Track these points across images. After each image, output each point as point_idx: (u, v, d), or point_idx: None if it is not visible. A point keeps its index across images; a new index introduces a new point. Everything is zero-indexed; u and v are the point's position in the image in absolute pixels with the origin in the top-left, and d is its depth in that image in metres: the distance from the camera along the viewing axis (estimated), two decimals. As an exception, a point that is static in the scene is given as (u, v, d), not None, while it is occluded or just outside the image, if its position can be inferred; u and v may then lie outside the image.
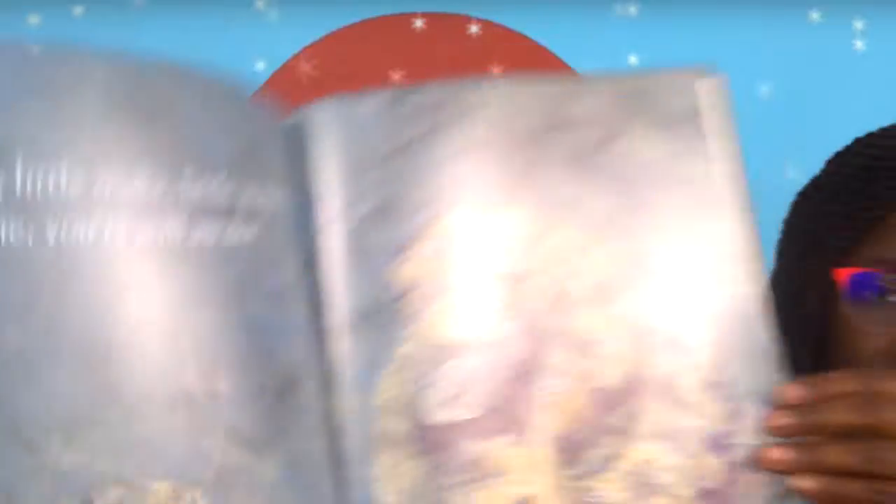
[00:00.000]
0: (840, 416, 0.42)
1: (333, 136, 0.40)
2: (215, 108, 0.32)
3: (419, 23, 1.59)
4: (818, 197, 0.64)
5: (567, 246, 0.44)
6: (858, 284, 0.55)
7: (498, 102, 0.44)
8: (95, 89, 0.29)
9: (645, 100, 0.48)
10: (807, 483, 0.42)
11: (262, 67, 1.57)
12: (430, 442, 0.39)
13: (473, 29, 1.59)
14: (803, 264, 0.62)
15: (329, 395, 0.34)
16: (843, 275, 0.56)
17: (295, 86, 1.57)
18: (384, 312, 0.36)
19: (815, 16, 1.55)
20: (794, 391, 0.44)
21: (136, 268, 0.28)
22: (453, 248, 0.41)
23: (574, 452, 0.42)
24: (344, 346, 0.35)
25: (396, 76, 1.58)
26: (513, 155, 0.43)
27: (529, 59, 1.58)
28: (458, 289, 0.41)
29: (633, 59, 1.57)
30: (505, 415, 0.41)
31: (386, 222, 0.39)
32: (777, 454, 0.43)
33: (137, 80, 0.31)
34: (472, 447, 0.40)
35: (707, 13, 1.55)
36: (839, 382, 0.44)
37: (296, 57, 1.58)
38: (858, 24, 1.55)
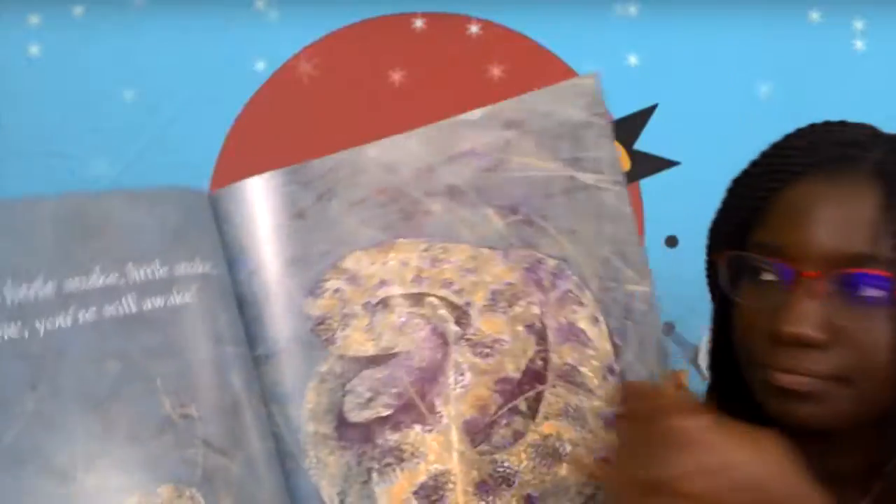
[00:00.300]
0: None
1: (246, 209, 0.49)
2: (147, 216, 0.41)
3: (419, 23, 1.59)
4: (725, 195, 0.66)
5: (462, 265, 0.51)
6: (735, 267, 0.58)
7: (377, 160, 0.52)
8: (49, 222, 0.39)
9: (533, 118, 0.52)
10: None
11: (262, 67, 1.57)
12: (353, 436, 0.47)
13: (473, 29, 1.59)
14: (710, 257, 0.66)
15: (269, 408, 0.43)
16: (723, 259, 0.59)
17: (295, 85, 1.58)
18: (305, 339, 0.46)
19: (814, 16, 1.55)
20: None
21: (109, 336, 0.39)
22: (354, 283, 0.49)
23: (483, 433, 0.49)
24: (276, 369, 0.43)
25: (396, 76, 1.58)
26: (396, 201, 0.51)
27: (529, 59, 1.58)
28: (363, 314, 0.49)
29: (632, 59, 1.57)
30: (417, 408, 0.48)
31: (297, 269, 0.48)
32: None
33: (82, 207, 0.40)
34: (390, 437, 0.48)
35: (707, 13, 1.55)
36: (624, 390, 0.48)
37: (296, 57, 1.58)
38: (858, 24, 1.55)
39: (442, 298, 0.50)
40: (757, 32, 1.54)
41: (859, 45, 1.55)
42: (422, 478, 0.48)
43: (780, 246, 0.55)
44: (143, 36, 1.56)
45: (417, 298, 0.50)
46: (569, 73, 1.58)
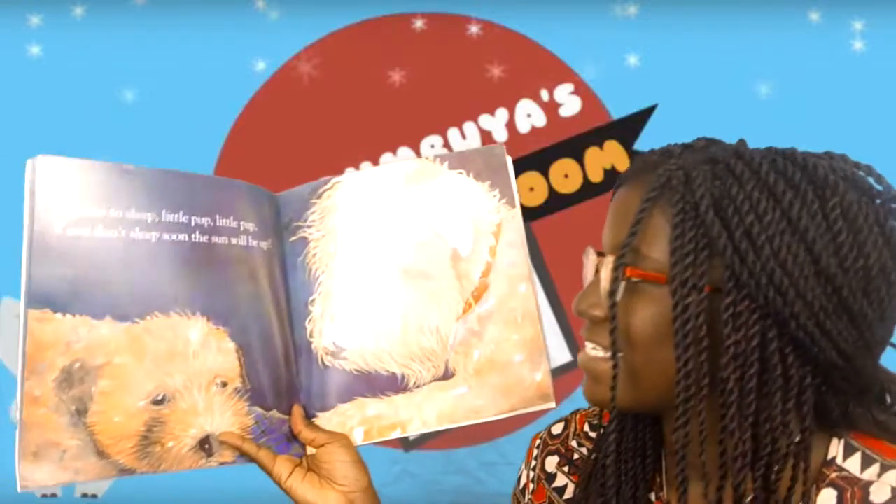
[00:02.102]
0: None
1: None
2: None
3: (419, 23, 1.60)
4: None
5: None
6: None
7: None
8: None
9: None
10: None
11: (262, 67, 1.58)
12: None
13: (473, 29, 1.59)
14: None
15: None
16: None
17: (296, 85, 1.58)
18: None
19: (814, 16, 1.56)
20: None
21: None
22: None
23: None
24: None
25: (396, 76, 1.59)
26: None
27: (529, 59, 1.58)
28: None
29: (632, 60, 1.57)
30: None
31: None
32: None
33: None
34: None
35: (707, 13, 1.55)
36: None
37: (296, 57, 1.58)
38: (857, 25, 1.55)
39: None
40: (757, 32, 1.55)
41: (858, 45, 1.56)
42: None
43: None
44: (143, 36, 1.56)
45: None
46: (569, 73, 1.58)
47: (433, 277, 0.75)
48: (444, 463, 1.51)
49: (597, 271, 0.61)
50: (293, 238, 0.75)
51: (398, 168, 0.77)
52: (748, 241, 0.54)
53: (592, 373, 0.61)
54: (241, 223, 0.72)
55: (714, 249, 0.55)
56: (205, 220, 0.70)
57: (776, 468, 0.55)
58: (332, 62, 1.58)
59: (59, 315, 0.64)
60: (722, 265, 0.55)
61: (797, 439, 0.55)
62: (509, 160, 0.76)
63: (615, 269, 0.57)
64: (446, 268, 0.75)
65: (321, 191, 0.76)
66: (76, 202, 0.68)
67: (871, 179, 0.57)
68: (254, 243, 0.72)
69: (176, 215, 0.69)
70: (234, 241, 0.71)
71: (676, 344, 0.55)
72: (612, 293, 0.57)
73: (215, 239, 0.70)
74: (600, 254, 0.63)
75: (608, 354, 0.59)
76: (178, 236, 0.69)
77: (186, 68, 1.56)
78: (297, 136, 1.57)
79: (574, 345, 1.52)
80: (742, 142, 0.63)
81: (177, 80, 1.55)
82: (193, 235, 0.69)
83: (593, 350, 0.61)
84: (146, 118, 1.55)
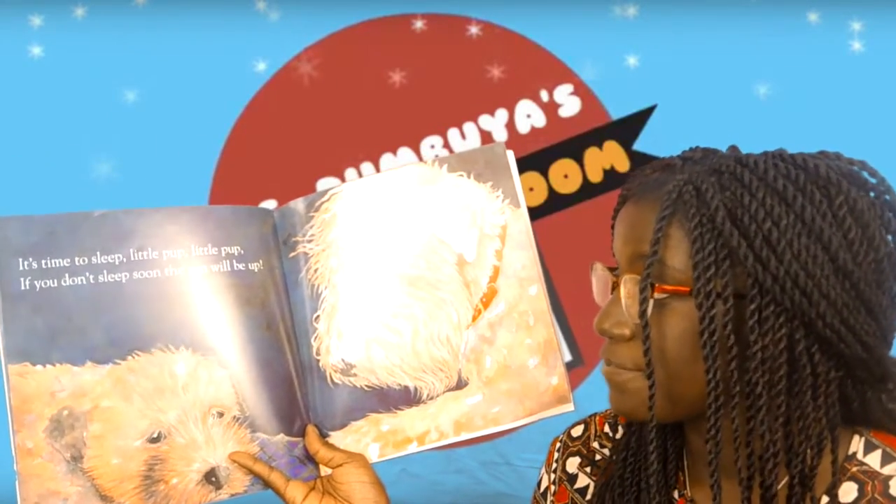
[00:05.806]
0: None
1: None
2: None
3: (419, 23, 1.60)
4: None
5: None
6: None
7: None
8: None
9: None
10: None
11: (262, 68, 1.58)
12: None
13: (473, 30, 1.60)
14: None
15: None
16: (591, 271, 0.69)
17: (296, 86, 1.58)
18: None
19: (813, 17, 1.56)
20: None
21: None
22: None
23: None
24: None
25: (396, 76, 1.59)
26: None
27: (529, 59, 1.59)
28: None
29: (632, 60, 1.57)
30: None
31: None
32: None
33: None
34: None
35: (707, 14, 1.56)
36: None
37: (297, 58, 1.58)
38: (856, 26, 1.56)
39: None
40: (756, 33, 1.55)
41: (857, 45, 1.56)
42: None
43: (615, 257, 0.64)
44: (144, 37, 1.57)
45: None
46: (568, 73, 1.58)
47: (440, 286, 0.73)
48: (444, 463, 1.51)
49: (613, 288, 0.61)
50: (292, 254, 0.73)
51: (396, 175, 0.75)
52: (768, 248, 0.56)
53: (621, 387, 0.60)
54: (223, 249, 0.71)
55: (735, 259, 0.56)
56: (178, 253, 0.70)
57: (814, 462, 0.56)
58: (332, 63, 1.59)
59: (38, 367, 0.65)
60: (744, 273, 0.56)
61: (827, 433, 0.57)
62: (511, 158, 0.74)
63: (642, 288, 0.57)
64: (453, 275, 0.73)
65: (318, 203, 0.74)
66: (38, 256, 0.67)
67: (865, 174, 0.58)
68: (240, 266, 0.71)
69: (144, 252, 0.69)
70: (214, 268, 0.70)
71: (705, 356, 0.56)
72: (642, 313, 0.57)
73: (192, 270, 0.70)
74: (611, 270, 0.62)
75: (635, 373, 0.59)
76: (148, 273, 0.68)
77: (187, 69, 1.56)
78: (298, 136, 1.57)
79: (574, 344, 1.53)
80: (734, 148, 0.64)
81: (178, 80, 1.56)
82: (166, 270, 0.69)
83: (619, 370, 0.60)
84: (147, 119, 1.55)
